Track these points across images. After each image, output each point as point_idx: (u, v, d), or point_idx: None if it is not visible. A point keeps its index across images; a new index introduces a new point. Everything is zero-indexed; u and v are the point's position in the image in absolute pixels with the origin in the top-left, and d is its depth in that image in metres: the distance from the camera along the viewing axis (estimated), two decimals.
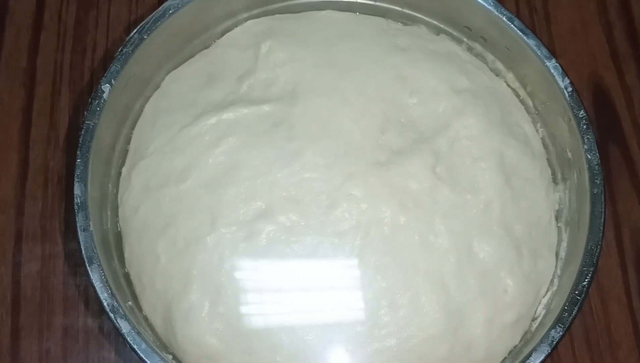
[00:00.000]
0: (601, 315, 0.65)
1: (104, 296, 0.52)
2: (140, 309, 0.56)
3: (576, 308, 0.52)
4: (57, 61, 0.70)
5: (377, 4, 0.65)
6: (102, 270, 0.52)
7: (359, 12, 0.66)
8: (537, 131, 0.62)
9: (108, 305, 0.51)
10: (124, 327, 0.51)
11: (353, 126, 0.58)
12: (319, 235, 0.54)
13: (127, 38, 0.58)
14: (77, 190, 0.54)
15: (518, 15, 0.73)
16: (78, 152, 0.54)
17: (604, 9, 0.75)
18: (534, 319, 0.57)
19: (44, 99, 0.69)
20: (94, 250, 0.53)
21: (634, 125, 0.71)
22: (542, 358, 0.52)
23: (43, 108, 0.69)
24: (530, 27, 0.66)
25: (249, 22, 0.65)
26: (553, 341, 0.52)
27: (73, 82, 0.70)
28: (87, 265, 0.52)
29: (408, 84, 0.60)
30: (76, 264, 0.63)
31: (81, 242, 0.53)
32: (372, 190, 0.56)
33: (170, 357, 0.54)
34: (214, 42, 0.64)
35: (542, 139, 0.62)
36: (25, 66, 0.70)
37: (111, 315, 0.51)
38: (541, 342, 0.52)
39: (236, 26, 0.65)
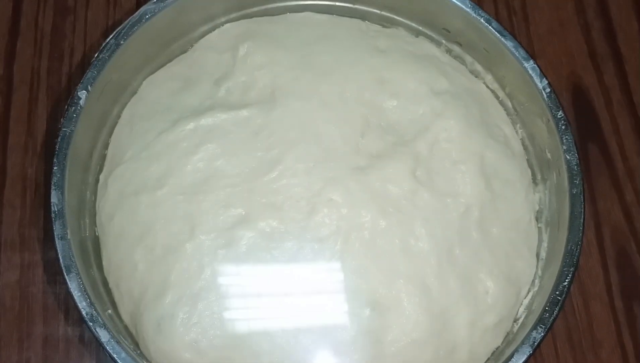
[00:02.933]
0: (583, 314, 0.65)
1: (82, 305, 0.51)
2: (120, 318, 0.55)
3: (557, 309, 0.52)
4: (34, 67, 0.70)
5: (356, 6, 0.65)
6: (80, 278, 0.52)
7: (338, 15, 0.66)
8: (516, 132, 0.63)
9: (87, 314, 0.51)
10: (103, 336, 0.50)
11: (332, 130, 0.58)
12: (300, 241, 0.54)
13: (104, 44, 0.57)
14: (54, 198, 0.53)
15: (497, 17, 0.74)
16: (55, 160, 0.54)
17: (582, 10, 0.76)
18: (515, 320, 0.57)
19: (21, 106, 0.68)
20: (72, 259, 0.52)
21: (613, 124, 0.71)
22: (523, 359, 0.52)
23: (20, 115, 0.68)
24: (509, 29, 0.67)
25: (227, 25, 0.65)
26: (534, 342, 0.52)
27: (50, 88, 0.69)
28: (64, 274, 0.51)
29: (387, 87, 0.60)
30: (55, 272, 0.63)
31: (59, 251, 0.52)
32: (352, 195, 0.55)
33: None
34: (192, 46, 0.64)
35: (522, 140, 0.63)
36: (2, 72, 0.69)
37: (90, 324, 0.51)
38: (523, 342, 0.52)
39: (214, 30, 0.64)
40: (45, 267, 0.63)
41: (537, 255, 0.59)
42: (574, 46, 0.74)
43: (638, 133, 0.71)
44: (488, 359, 0.56)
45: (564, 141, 0.57)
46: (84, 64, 0.70)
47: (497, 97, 0.63)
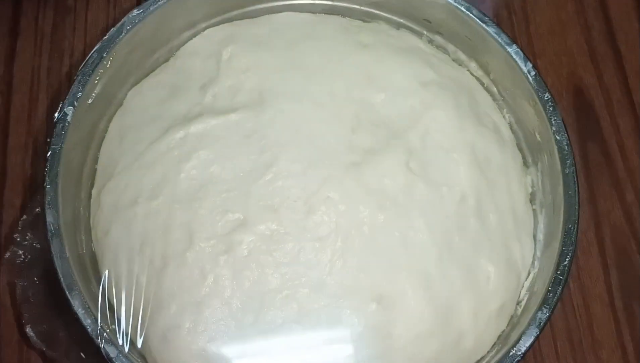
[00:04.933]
0: (583, 315, 0.67)
1: (87, 322, 0.52)
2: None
3: (560, 288, 0.55)
4: (34, 68, 0.73)
5: (336, 3, 0.67)
6: (82, 296, 0.53)
7: (319, 13, 0.67)
8: (504, 117, 0.65)
9: (92, 331, 0.52)
10: (111, 352, 0.52)
11: (324, 129, 0.59)
12: (300, 241, 0.55)
13: (87, 58, 0.57)
14: (49, 217, 0.54)
15: (497, 17, 0.77)
16: (47, 178, 0.55)
17: (582, 10, 0.79)
18: (518, 303, 0.59)
19: (21, 106, 0.70)
20: (73, 277, 0.53)
21: (613, 124, 0.74)
22: (531, 340, 0.53)
23: (20, 115, 0.70)
24: (509, 29, 0.68)
25: (208, 30, 0.66)
26: (540, 322, 0.54)
27: (50, 88, 0.70)
28: (66, 293, 0.53)
29: (375, 82, 0.62)
30: (56, 272, 0.62)
31: (59, 270, 0.53)
32: (349, 191, 0.57)
33: None
34: (174, 54, 0.65)
35: (510, 125, 0.65)
36: (2, 72, 0.72)
37: (97, 340, 0.52)
38: (529, 324, 0.54)
39: (195, 36, 0.65)
40: (45, 267, 0.62)
41: (534, 237, 0.60)
42: (574, 46, 0.77)
43: (638, 133, 0.73)
44: (494, 344, 0.57)
45: (553, 122, 0.59)
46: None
47: (482, 84, 0.66)
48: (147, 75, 0.63)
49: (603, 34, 0.77)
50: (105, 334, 0.51)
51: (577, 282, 0.67)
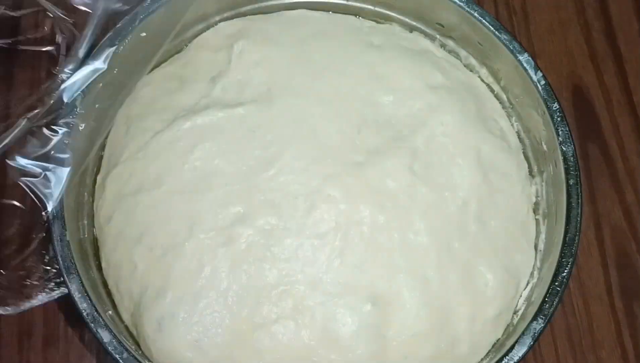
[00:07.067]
0: (583, 314, 0.66)
1: (83, 306, 0.52)
2: (121, 318, 0.56)
3: (556, 300, 0.54)
4: (34, 67, 0.70)
5: (350, 3, 0.67)
6: (80, 280, 0.52)
7: (332, 12, 0.67)
8: (512, 125, 0.64)
9: (88, 315, 0.52)
10: (105, 336, 0.51)
11: (329, 126, 0.58)
12: (299, 238, 0.55)
13: (98, 45, 0.56)
14: None
15: (497, 17, 0.75)
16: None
17: (582, 9, 0.77)
18: (515, 312, 0.58)
19: None
20: (72, 260, 0.53)
21: (613, 124, 0.72)
22: (524, 350, 0.53)
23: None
24: (509, 28, 0.68)
25: (221, 24, 0.66)
26: (535, 333, 0.53)
27: (51, 88, 0.68)
28: (64, 276, 0.52)
29: (383, 83, 0.61)
30: (56, 272, 0.62)
31: (58, 252, 0.53)
32: (350, 190, 0.56)
33: None
34: (186, 46, 0.64)
35: (518, 133, 0.64)
36: (2, 72, 0.70)
37: (91, 325, 0.52)
38: (523, 334, 0.53)
39: (208, 29, 0.65)
40: (45, 267, 0.62)
41: (535, 247, 0.59)
42: (574, 46, 0.76)
43: (638, 133, 0.72)
44: (489, 351, 0.56)
45: (560, 132, 0.58)
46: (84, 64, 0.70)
47: (492, 90, 0.65)
48: (157, 65, 0.63)
49: (603, 34, 0.76)
50: (100, 319, 0.51)
51: (577, 282, 0.66)
